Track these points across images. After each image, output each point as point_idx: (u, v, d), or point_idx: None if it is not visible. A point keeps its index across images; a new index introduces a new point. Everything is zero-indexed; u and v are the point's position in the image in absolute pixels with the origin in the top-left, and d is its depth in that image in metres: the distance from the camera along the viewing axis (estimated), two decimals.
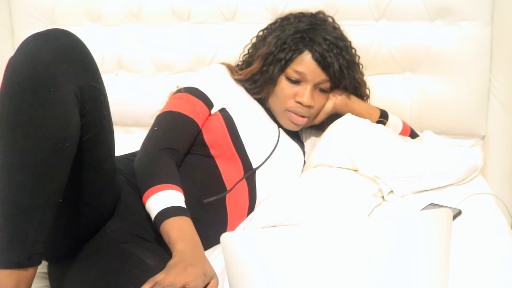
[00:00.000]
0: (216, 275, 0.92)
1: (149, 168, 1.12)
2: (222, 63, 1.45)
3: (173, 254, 0.95)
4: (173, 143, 1.19)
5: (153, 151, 1.16)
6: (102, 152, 1.04)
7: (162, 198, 1.04)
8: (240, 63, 1.51)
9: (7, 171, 0.88)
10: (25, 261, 0.87)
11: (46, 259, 1.12)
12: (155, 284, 0.83)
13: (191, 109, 1.27)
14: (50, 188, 0.90)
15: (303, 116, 1.38)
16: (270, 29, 1.44)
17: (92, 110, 0.97)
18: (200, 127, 1.28)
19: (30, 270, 0.89)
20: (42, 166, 0.88)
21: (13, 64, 0.89)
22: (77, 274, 1.02)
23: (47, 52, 0.89)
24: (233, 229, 1.25)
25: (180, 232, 0.98)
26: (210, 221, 1.20)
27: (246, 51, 1.51)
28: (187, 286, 0.84)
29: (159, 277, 0.85)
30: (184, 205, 1.05)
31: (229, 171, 1.26)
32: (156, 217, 1.02)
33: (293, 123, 1.39)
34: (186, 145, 1.24)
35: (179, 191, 1.07)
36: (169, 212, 1.02)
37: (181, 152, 1.21)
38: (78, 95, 0.93)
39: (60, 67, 0.90)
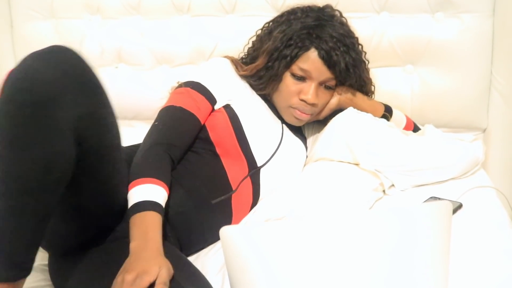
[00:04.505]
0: (166, 269, 0.89)
1: (140, 161, 1.11)
2: (226, 57, 1.43)
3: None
4: (171, 138, 1.18)
5: (149, 145, 1.15)
6: (107, 173, 1.02)
7: (140, 191, 1.03)
8: (244, 55, 1.49)
9: None
10: (14, 276, 0.87)
11: (48, 252, 1.12)
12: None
13: (193, 104, 1.25)
14: (39, 211, 0.88)
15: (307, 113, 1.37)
16: (277, 23, 1.41)
17: (93, 136, 0.94)
18: (202, 122, 1.27)
19: (19, 282, 0.89)
20: (30, 189, 0.86)
21: (12, 80, 0.86)
22: (79, 265, 1.02)
23: (45, 73, 0.86)
24: None
25: (139, 230, 0.97)
26: (216, 221, 1.19)
27: (250, 43, 1.49)
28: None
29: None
30: (160, 200, 1.03)
31: (234, 170, 1.25)
32: (129, 210, 1.02)
33: (297, 118, 1.38)
34: (186, 140, 1.23)
35: (161, 185, 1.05)
36: (140, 207, 1.00)
37: (179, 146, 1.20)
38: (76, 122, 0.89)
39: (59, 90, 0.86)
